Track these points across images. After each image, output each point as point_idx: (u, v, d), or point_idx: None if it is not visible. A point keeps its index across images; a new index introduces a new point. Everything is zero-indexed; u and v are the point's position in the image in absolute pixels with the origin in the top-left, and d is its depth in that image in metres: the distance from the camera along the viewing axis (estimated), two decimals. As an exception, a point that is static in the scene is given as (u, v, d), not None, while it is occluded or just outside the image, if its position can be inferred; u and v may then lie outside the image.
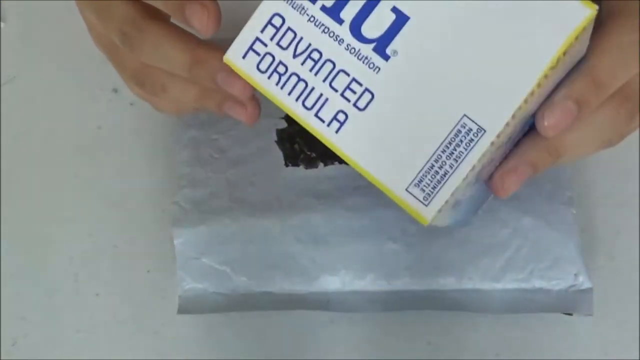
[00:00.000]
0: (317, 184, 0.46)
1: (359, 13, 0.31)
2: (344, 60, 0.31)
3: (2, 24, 0.54)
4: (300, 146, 0.47)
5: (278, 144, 0.47)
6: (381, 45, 0.31)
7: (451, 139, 0.31)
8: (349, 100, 0.31)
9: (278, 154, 0.47)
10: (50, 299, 0.48)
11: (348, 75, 0.31)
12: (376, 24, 0.31)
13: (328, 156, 0.47)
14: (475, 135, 0.31)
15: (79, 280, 0.48)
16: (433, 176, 0.31)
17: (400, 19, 0.31)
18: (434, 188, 0.31)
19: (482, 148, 0.31)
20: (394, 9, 0.30)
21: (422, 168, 0.31)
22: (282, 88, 0.32)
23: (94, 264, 0.48)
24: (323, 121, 0.31)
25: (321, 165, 0.47)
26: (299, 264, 0.45)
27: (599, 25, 0.35)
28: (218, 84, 0.36)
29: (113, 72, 0.48)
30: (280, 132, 0.48)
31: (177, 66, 0.38)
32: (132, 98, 0.52)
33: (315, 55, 0.31)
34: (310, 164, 0.47)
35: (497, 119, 0.31)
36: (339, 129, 0.31)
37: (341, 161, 0.45)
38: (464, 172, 0.31)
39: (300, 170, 0.47)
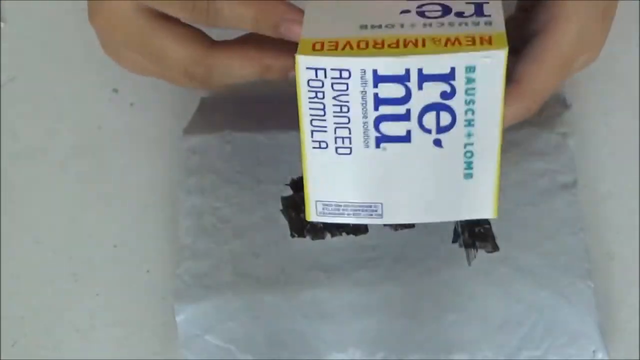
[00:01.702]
0: (324, 256, 0.45)
1: (387, 116, 0.38)
2: (355, 126, 0.38)
3: (2, 24, 0.54)
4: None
5: (283, 213, 0.46)
6: (382, 140, 0.38)
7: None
8: (335, 142, 0.39)
9: (283, 223, 0.46)
10: (50, 299, 0.48)
11: (350, 133, 0.38)
12: (391, 129, 0.38)
13: (335, 226, 0.46)
14: None
15: (79, 280, 0.48)
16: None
17: (406, 137, 0.38)
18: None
19: None
20: (408, 131, 0.38)
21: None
22: (310, 103, 0.38)
23: (94, 264, 0.48)
24: (312, 137, 0.39)
25: (328, 235, 0.46)
26: (306, 342, 0.44)
27: None
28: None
29: (113, 72, 0.48)
30: (285, 200, 0.47)
31: (250, 78, 0.42)
32: (132, 98, 0.52)
33: (344, 109, 0.38)
34: (317, 234, 0.46)
35: None
36: (315, 147, 0.39)
37: (349, 232, 0.45)
38: None
39: (307, 242, 0.46)
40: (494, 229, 0.45)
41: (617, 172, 0.49)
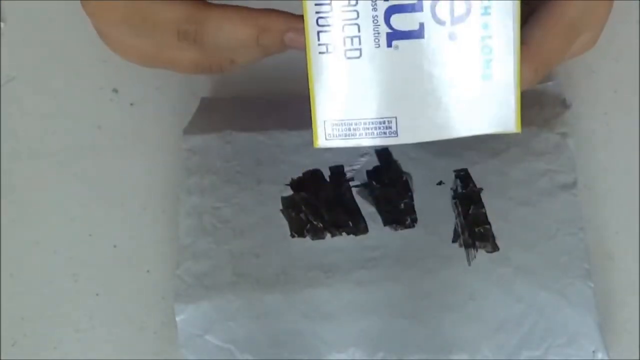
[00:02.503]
0: (324, 256, 0.45)
1: (398, 6, 0.36)
2: (365, 21, 0.36)
3: (2, 24, 0.54)
4: (306, 215, 0.46)
5: (283, 213, 0.46)
6: (394, 36, 0.36)
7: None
8: (344, 44, 0.37)
9: (283, 223, 0.46)
10: (50, 299, 0.48)
11: (359, 30, 0.36)
12: (402, 22, 0.36)
13: (335, 226, 0.46)
14: None
15: (79, 280, 0.48)
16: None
17: (419, 32, 0.36)
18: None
19: None
20: (420, 24, 0.36)
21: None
22: None
23: (94, 264, 0.48)
24: (318, 39, 0.37)
25: (328, 235, 0.46)
26: (306, 342, 0.44)
27: None
28: (287, 44, 0.39)
29: (113, 72, 0.48)
30: (285, 200, 0.46)
31: (246, 41, 0.40)
32: (132, 98, 0.52)
33: (352, 1, 0.36)
34: (317, 234, 0.46)
35: None
36: (322, 52, 0.37)
37: (349, 232, 0.45)
38: None
39: (307, 241, 0.46)
40: (494, 229, 0.45)
41: (617, 172, 0.49)
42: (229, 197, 0.47)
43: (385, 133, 0.38)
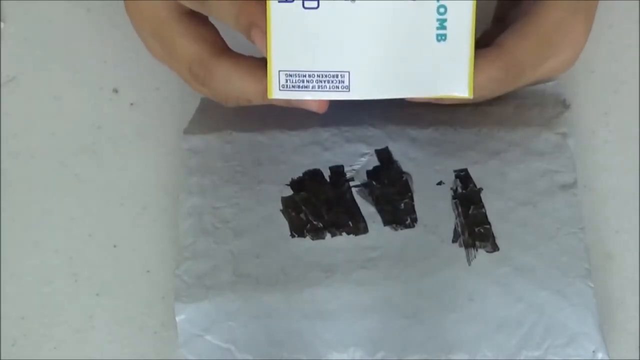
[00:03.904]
0: (324, 256, 0.45)
1: None
2: None
3: (2, 24, 0.54)
4: (306, 215, 0.46)
5: (283, 213, 0.46)
6: None
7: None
8: None
9: (283, 223, 0.46)
10: (50, 299, 0.48)
11: None
12: None
13: (335, 226, 0.46)
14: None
15: (79, 280, 0.48)
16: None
17: None
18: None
19: None
20: None
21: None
22: None
23: (94, 264, 0.48)
24: None
25: (328, 235, 0.45)
26: (306, 341, 0.44)
27: None
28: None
29: (113, 72, 0.48)
30: (285, 200, 0.46)
31: (253, 95, 0.42)
32: (132, 98, 0.52)
33: None
34: (317, 234, 0.45)
35: None
36: (281, 1, 0.37)
37: (349, 232, 0.45)
38: None
39: (307, 241, 0.45)
40: (494, 229, 0.45)
41: (617, 172, 0.49)
42: (229, 197, 0.47)
43: (337, 87, 0.38)
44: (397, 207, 0.46)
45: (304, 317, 0.44)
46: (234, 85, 0.42)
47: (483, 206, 0.46)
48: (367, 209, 0.46)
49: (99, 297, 0.48)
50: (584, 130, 0.50)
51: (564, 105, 0.49)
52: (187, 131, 0.49)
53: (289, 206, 0.46)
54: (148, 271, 0.48)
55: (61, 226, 0.49)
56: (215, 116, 0.49)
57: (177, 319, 0.44)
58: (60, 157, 0.51)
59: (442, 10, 0.37)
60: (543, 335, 0.43)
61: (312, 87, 0.38)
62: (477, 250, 0.45)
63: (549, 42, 0.43)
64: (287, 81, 0.38)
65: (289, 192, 0.47)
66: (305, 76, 0.38)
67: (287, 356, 0.44)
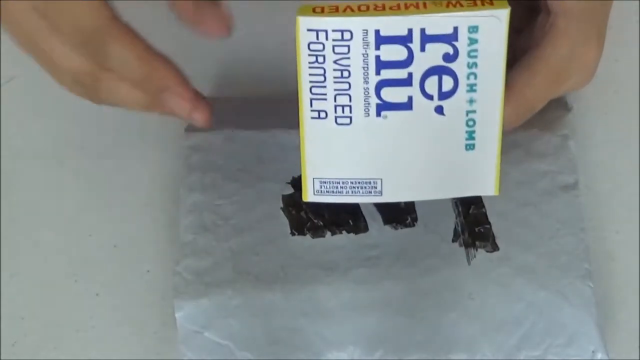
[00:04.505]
0: (324, 254, 0.45)
1: (389, 80, 0.38)
2: (356, 92, 0.38)
3: (3, 25, 0.54)
4: (306, 213, 0.46)
5: (284, 211, 0.46)
6: (383, 107, 0.38)
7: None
8: (335, 111, 0.38)
9: (284, 221, 0.46)
10: (50, 299, 0.48)
11: (350, 100, 0.38)
12: (392, 95, 0.38)
13: (335, 224, 0.46)
14: None
15: (79, 280, 0.48)
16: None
17: (407, 105, 0.38)
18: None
19: None
20: (409, 97, 0.38)
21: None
22: (310, 68, 0.38)
23: (94, 264, 0.48)
24: (311, 106, 0.38)
25: (328, 234, 0.46)
26: (305, 339, 0.44)
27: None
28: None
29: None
30: (286, 199, 0.47)
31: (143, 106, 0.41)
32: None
33: (345, 74, 0.38)
34: (317, 232, 0.46)
35: None
36: (314, 117, 0.39)
37: (349, 230, 0.45)
38: None
39: (307, 240, 0.46)
40: (494, 229, 0.45)
41: (618, 173, 0.49)
42: (229, 195, 0.47)
43: (370, 192, 0.40)
44: (398, 206, 0.46)
45: (303, 315, 0.44)
46: (121, 97, 0.41)
47: (483, 206, 0.46)
48: (368, 208, 0.46)
49: (99, 297, 0.48)
50: (585, 130, 0.50)
51: (567, 107, 0.49)
52: (189, 129, 0.49)
53: (290, 204, 0.46)
54: (148, 271, 0.48)
55: (61, 226, 0.49)
56: (217, 114, 0.49)
57: (177, 315, 0.44)
58: (60, 156, 0.51)
59: (470, 123, 0.38)
60: (543, 335, 0.43)
61: (346, 192, 0.40)
62: (477, 250, 0.45)
63: (560, 76, 0.43)
64: (321, 187, 0.40)
65: (289, 190, 0.47)
66: (339, 183, 0.40)
67: (286, 354, 0.44)
